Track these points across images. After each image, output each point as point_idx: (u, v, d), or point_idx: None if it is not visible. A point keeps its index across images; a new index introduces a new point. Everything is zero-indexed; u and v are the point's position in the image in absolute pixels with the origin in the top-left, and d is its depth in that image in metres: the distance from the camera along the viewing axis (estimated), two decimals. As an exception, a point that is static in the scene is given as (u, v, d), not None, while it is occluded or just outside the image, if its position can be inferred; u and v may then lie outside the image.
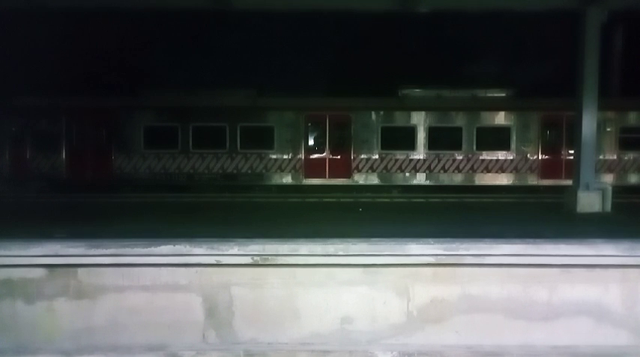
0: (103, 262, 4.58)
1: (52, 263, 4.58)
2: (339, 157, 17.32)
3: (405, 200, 14.56)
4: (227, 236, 4.97)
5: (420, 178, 17.28)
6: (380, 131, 17.24)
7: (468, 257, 4.57)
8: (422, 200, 14.42)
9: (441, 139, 17.16)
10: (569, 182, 12.80)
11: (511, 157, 17.24)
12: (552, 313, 4.62)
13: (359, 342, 4.61)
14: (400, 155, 17.24)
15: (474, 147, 17.20)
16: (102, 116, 17.29)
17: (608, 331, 4.61)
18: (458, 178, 17.28)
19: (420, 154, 17.24)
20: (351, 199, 14.19)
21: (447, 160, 17.22)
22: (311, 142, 17.41)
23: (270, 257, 4.58)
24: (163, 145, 17.22)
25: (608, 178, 16.35)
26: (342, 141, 17.33)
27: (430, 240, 4.77)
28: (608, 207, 11.35)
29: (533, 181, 17.24)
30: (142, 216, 10.36)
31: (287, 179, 17.33)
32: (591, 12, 11.04)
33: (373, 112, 17.32)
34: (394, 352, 4.52)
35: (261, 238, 4.81)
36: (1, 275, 4.60)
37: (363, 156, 17.27)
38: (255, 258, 4.57)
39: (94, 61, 23.80)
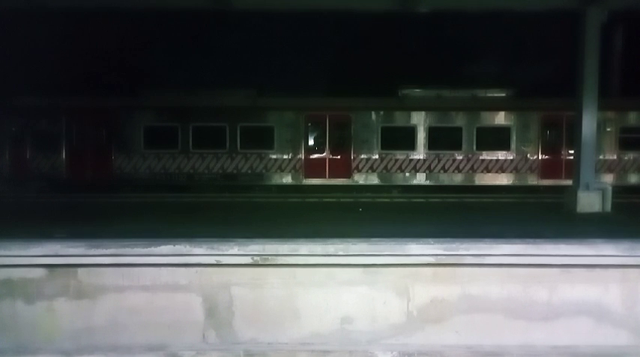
0: (103, 262, 4.58)
1: (52, 263, 4.58)
2: (339, 157, 17.32)
3: (405, 200, 14.56)
4: (227, 236, 4.97)
5: (420, 178, 17.28)
6: (380, 131, 17.24)
7: (468, 257, 4.57)
8: (422, 200, 14.42)
9: (441, 139, 17.15)
10: (569, 182, 12.80)
11: (511, 157, 17.23)
12: (552, 313, 4.62)
13: (359, 342, 4.61)
14: (400, 155, 17.24)
15: (474, 147, 17.20)
16: (102, 116, 17.29)
17: (608, 331, 4.61)
18: (458, 178, 17.28)
19: (420, 154, 17.24)
20: (351, 199, 14.19)
21: (447, 160, 17.22)
22: (311, 142, 17.41)
23: (270, 257, 4.58)
24: (163, 145, 17.22)
25: (608, 178, 16.35)
26: (342, 141, 17.33)
27: (430, 240, 4.77)
28: (608, 207, 11.35)
29: (533, 181, 17.24)
30: (142, 216, 10.36)
31: (287, 179, 17.33)
32: (591, 12, 11.04)
33: (373, 112, 17.32)
34: (394, 352, 4.52)
35: (261, 238, 4.81)
36: (1, 275, 4.60)
37: (363, 156, 17.27)
38: (255, 258, 4.57)
39: (94, 61, 23.80)
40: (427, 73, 20.67)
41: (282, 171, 17.31)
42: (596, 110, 11.40)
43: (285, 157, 17.27)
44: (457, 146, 17.18)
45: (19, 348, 4.53)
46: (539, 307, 4.62)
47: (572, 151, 13.86)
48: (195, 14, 16.46)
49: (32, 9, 12.14)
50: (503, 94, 17.65)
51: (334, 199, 14.27)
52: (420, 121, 17.25)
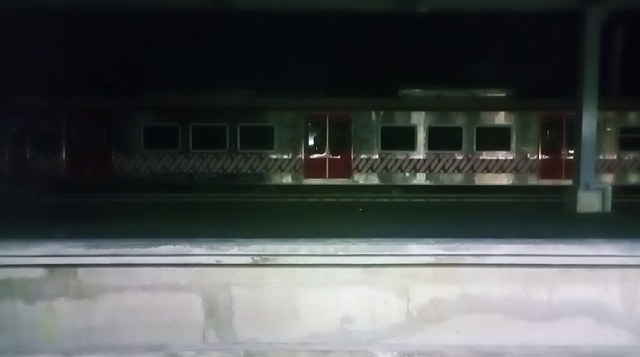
0: (103, 262, 4.58)
1: (52, 263, 4.58)
2: (339, 157, 17.32)
3: (405, 200, 14.56)
4: (227, 236, 4.97)
5: (420, 178, 17.28)
6: (380, 131, 17.24)
7: (468, 257, 4.57)
8: (422, 200, 14.42)
9: (441, 139, 17.15)
10: (569, 182, 12.80)
11: (511, 157, 17.23)
12: (552, 313, 4.62)
13: (359, 342, 4.61)
14: (400, 155, 17.24)
15: (474, 147, 17.20)
16: (102, 116, 17.29)
17: (608, 331, 4.61)
18: (458, 178, 17.28)
19: (420, 154, 17.24)
20: (351, 199, 14.19)
21: (447, 160, 17.22)
22: (311, 142, 17.41)
23: (270, 257, 4.58)
24: (163, 145, 17.22)
25: (608, 178, 16.35)
26: (342, 141, 17.33)
27: (430, 240, 4.77)
28: (608, 207, 11.35)
29: (533, 181, 17.24)
30: (142, 216, 10.36)
31: (287, 179, 17.33)
32: (591, 12, 11.04)
33: (373, 112, 17.32)
34: (394, 352, 4.52)
35: (261, 238, 4.81)
36: (1, 275, 4.60)
37: (363, 156, 17.27)
38: (255, 258, 4.57)
39: (94, 61, 23.80)
40: (427, 73, 20.67)
41: (282, 171, 17.31)
42: (596, 110, 11.40)
43: (285, 157, 17.27)
44: (457, 146, 17.18)
45: (19, 348, 4.53)
46: (539, 307, 4.62)
47: (572, 151, 13.86)
48: (195, 14, 16.46)
49: (32, 9, 12.14)
50: (503, 94, 17.65)
51: (334, 199, 14.27)
52: (420, 121, 17.24)
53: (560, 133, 17.16)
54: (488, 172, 17.25)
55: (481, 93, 17.63)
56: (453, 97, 17.46)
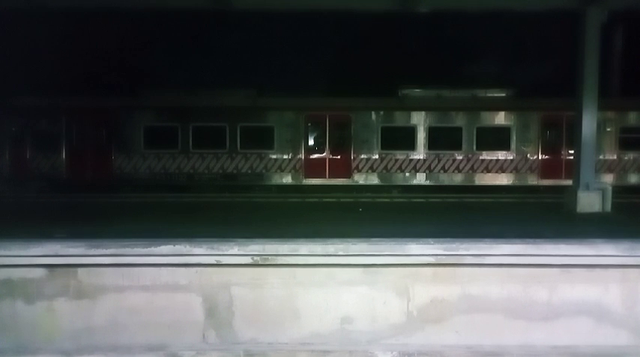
0: (103, 262, 4.58)
1: (52, 263, 4.58)
2: (339, 157, 17.32)
3: (405, 200, 14.56)
4: (227, 236, 4.97)
5: (420, 178, 17.28)
6: (380, 131, 17.24)
7: (468, 257, 4.57)
8: (422, 200, 14.42)
9: (441, 139, 17.16)
10: (569, 182, 12.80)
11: (511, 157, 17.23)
12: (552, 313, 4.62)
13: (359, 342, 4.61)
14: (400, 155, 17.24)
15: (474, 147, 17.20)
16: (102, 116, 17.29)
17: (608, 331, 4.61)
18: (458, 178, 17.28)
19: (420, 154, 17.24)
20: (351, 199, 14.19)
21: (447, 160, 17.22)
22: (311, 142, 17.41)
23: (270, 257, 4.58)
24: (163, 145, 17.22)
25: (608, 178, 16.35)
26: (342, 141, 17.33)
27: (430, 240, 4.77)
28: (608, 207, 11.35)
29: (533, 181, 17.25)
30: (142, 216, 10.36)
31: (287, 179, 17.33)
32: (591, 12, 11.04)
33: (373, 112, 17.32)
34: (394, 352, 4.52)
35: (261, 238, 4.81)
36: (1, 275, 4.60)
37: (363, 156, 17.27)
38: (255, 258, 4.57)
39: (94, 61, 23.80)
40: (427, 73, 20.67)
41: (282, 171, 17.31)
42: (596, 110, 11.40)
43: (285, 157, 17.27)
44: (457, 146, 17.17)
45: (19, 348, 4.53)
46: (539, 307, 4.62)
47: (572, 151, 13.85)
48: (195, 14, 16.45)
49: (32, 9, 12.14)
50: (503, 94, 17.65)
51: (334, 199, 14.27)
52: (420, 121, 17.24)
53: (560, 133, 17.16)
54: (489, 172, 17.25)
55: (481, 93, 17.63)
56: (453, 97, 17.46)
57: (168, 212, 11.39)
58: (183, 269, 4.61)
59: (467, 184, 17.19)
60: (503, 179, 17.27)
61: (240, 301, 4.63)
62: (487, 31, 22.74)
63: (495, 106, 17.33)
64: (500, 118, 17.33)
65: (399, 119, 17.41)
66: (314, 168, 17.29)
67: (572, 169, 12.27)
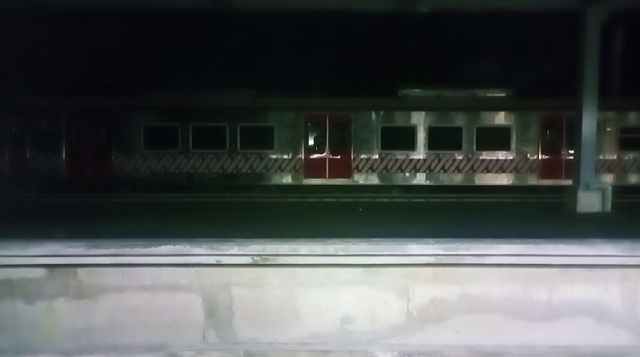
0: (103, 262, 4.58)
1: (52, 263, 4.58)
2: (339, 157, 17.32)
3: (405, 200, 14.56)
4: (227, 236, 4.97)
5: (420, 178, 17.28)
6: (380, 131, 17.25)
7: (468, 257, 4.57)
8: (422, 200, 14.42)
9: (441, 139, 17.16)
10: (569, 182, 12.80)
11: (511, 157, 17.24)
12: (552, 313, 4.62)
13: (359, 342, 4.61)
14: (400, 155, 17.24)
15: (474, 147, 17.20)
16: (102, 116, 17.29)
17: (608, 331, 4.61)
18: (458, 178, 17.28)
19: (420, 154, 17.24)
20: (351, 199, 14.19)
21: (447, 160, 17.22)
22: (311, 142, 17.41)
23: (270, 257, 4.58)
24: (163, 145, 17.22)
25: (608, 178, 16.35)
26: (342, 141, 17.33)
27: (430, 240, 4.77)
28: (608, 207, 11.35)
29: (533, 181, 17.24)
30: (142, 216, 10.36)
31: (287, 179, 17.33)
32: (591, 12, 11.05)
33: (373, 112, 17.32)
34: (394, 352, 4.52)
35: (261, 238, 4.81)
36: (1, 275, 4.60)
37: (363, 156, 17.27)
38: (255, 258, 4.57)
39: (94, 61, 23.80)
40: (427, 73, 20.67)
41: (282, 171, 17.31)
42: (596, 110, 11.40)
43: (285, 157, 17.27)
44: (457, 146, 17.18)
45: (19, 348, 4.53)
46: (539, 307, 4.62)
47: (572, 151, 13.85)
48: (195, 14, 16.45)
49: (32, 9, 12.14)
50: (503, 94, 17.65)
51: (334, 199, 14.27)
52: (420, 121, 17.25)
53: (560, 133, 17.16)
54: (489, 172, 17.25)
55: (481, 93, 17.63)
56: (453, 97, 17.46)
57: (168, 212, 11.39)
58: (183, 269, 4.61)
59: (467, 184, 17.19)
60: (504, 179, 17.27)
61: (240, 301, 4.63)
62: (487, 31, 22.75)
63: (495, 106, 17.33)
64: (500, 118, 17.33)
65: (399, 119, 17.41)
66: (314, 168, 17.29)
67: (572, 169, 12.26)
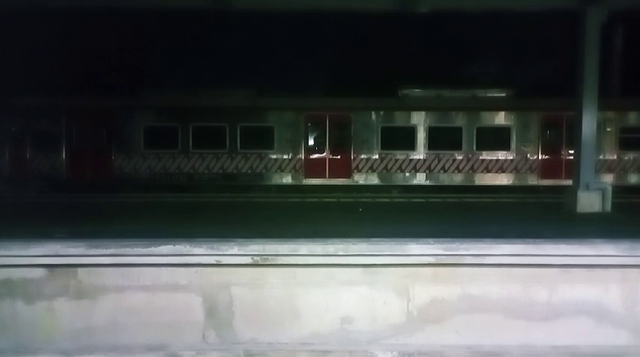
0: (103, 262, 4.58)
1: (52, 263, 4.58)
2: (339, 157, 17.32)
3: (405, 200, 14.56)
4: (227, 236, 4.97)
5: (420, 178, 17.28)
6: (380, 131, 17.24)
7: (468, 257, 4.57)
8: (422, 200, 14.42)
9: (441, 139, 17.15)
10: (569, 182, 12.80)
11: (511, 157, 17.24)
12: (552, 313, 4.62)
13: (359, 342, 4.61)
14: (400, 155, 17.24)
15: (474, 147, 17.20)
16: (102, 116, 17.29)
17: (608, 331, 4.61)
18: (458, 178, 17.28)
19: (420, 154, 17.24)
20: (351, 199, 14.19)
21: (447, 160, 17.22)
22: (311, 142, 17.41)
23: (270, 257, 4.58)
24: (163, 145, 17.22)
25: (608, 178, 16.35)
26: (342, 141, 17.33)
27: (430, 240, 4.77)
28: (608, 207, 11.35)
29: (533, 181, 17.24)
30: (142, 216, 10.36)
31: (287, 179, 17.33)
32: (591, 12, 11.04)
33: (373, 112, 17.32)
34: (394, 352, 4.52)
35: (261, 238, 4.81)
36: (1, 275, 4.60)
37: (363, 156, 17.27)
38: (255, 258, 4.57)
39: (94, 61, 23.80)
40: (427, 73, 20.66)
41: (282, 171, 17.31)
42: (596, 110, 11.40)
43: (285, 157, 17.27)
44: (457, 146, 17.17)
45: (19, 348, 4.53)
46: (539, 307, 4.62)
47: (572, 151, 13.85)
48: (195, 14, 16.45)
49: (32, 9, 12.14)
50: (503, 94, 17.65)
51: (334, 199, 14.27)
52: (420, 121, 17.25)
53: (560, 133, 17.16)
54: (489, 172, 17.25)
55: (481, 93, 17.63)
56: (453, 97, 17.46)
57: (168, 212, 11.39)
58: (183, 269, 4.61)
59: (467, 184, 17.19)
60: (503, 179, 17.27)
61: (240, 301, 4.63)
62: (487, 31, 22.75)
63: (495, 106, 17.33)
64: (500, 118, 17.33)
65: (399, 119, 17.41)
66: (314, 168, 17.29)
67: (572, 169, 12.26)
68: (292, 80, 22.68)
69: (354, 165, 17.28)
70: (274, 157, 17.29)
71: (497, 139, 17.19)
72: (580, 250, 4.61)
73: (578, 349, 4.55)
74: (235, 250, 4.57)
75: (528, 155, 17.24)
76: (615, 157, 17.12)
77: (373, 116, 17.31)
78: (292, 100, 17.52)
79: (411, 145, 17.20)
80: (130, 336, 4.60)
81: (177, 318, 4.62)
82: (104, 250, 4.57)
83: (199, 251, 4.56)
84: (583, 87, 11.34)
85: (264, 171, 17.32)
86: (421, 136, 17.20)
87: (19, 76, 18.63)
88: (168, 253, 4.55)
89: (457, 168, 17.25)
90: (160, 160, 17.23)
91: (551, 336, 4.60)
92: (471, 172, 17.25)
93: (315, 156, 17.36)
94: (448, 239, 4.75)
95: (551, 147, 17.23)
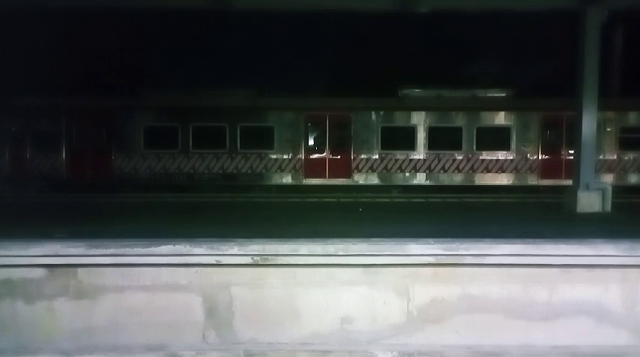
0: (103, 262, 4.58)
1: (52, 263, 4.58)
2: (339, 157, 17.32)
3: (405, 200, 14.56)
4: (227, 236, 4.97)
5: (420, 178, 17.28)
6: (380, 131, 17.24)
7: (468, 257, 4.57)
8: (422, 200, 14.42)
9: (441, 139, 17.15)
10: (569, 182, 12.80)
11: (511, 157, 17.24)
12: (552, 313, 4.62)
13: (359, 342, 4.61)
14: (400, 155, 17.24)
15: (474, 147, 17.20)
16: (102, 116, 17.29)
17: (608, 331, 4.61)
18: (458, 178, 17.28)
19: (420, 154, 17.24)
20: (351, 199, 14.19)
21: (447, 160, 17.22)
22: (311, 142, 17.41)
23: (270, 257, 4.58)
24: (163, 145, 17.22)
25: (608, 178, 16.35)
26: (342, 141, 17.33)
27: (430, 240, 4.77)
28: (608, 207, 11.35)
29: (533, 181, 17.24)
30: (142, 216, 10.36)
31: (287, 179, 17.33)
32: (591, 12, 11.04)
33: (373, 112, 17.32)
34: (394, 352, 4.52)
35: (261, 238, 4.81)
36: (1, 275, 4.60)
37: (363, 156, 17.27)
38: (255, 258, 4.57)
39: (94, 61, 23.80)
40: (427, 73, 20.66)
41: (282, 171, 17.31)
42: (596, 110, 11.40)
43: (285, 157, 17.27)
44: (457, 146, 17.17)
45: (19, 348, 4.53)
46: (539, 307, 4.62)
47: (572, 151, 13.85)
48: (195, 14, 16.45)
49: (32, 9, 12.14)
50: (503, 94, 17.65)
51: (334, 199, 14.27)
52: (420, 121, 17.25)
53: (560, 133, 17.16)
54: (489, 172, 17.25)
55: (481, 93, 17.63)
56: (453, 97, 17.46)
57: (168, 212, 11.39)
58: (183, 269, 4.61)
59: (467, 184, 17.19)
60: (503, 179, 17.27)
61: (240, 301, 4.63)
62: (487, 31, 22.74)
63: (495, 106, 17.33)
64: (500, 118, 17.33)
65: (399, 119, 17.41)
66: (314, 168, 17.29)
67: (572, 169, 12.26)
68: (292, 80, 22.69)
69: (354, 165, 17.28)
70: (274, 157, 17.29)
71: (497, 139, 17.19)
72: (580, 250, 4.61)
73: (578, 349, 4.55)
74: (235, 250, 4.57)
75: (528, 155, 17.23)
76: (615, 157, 17.12)
77: (373, 116, 17.31)
78: (292, 100, 17.52)
79: (411, 145, 17.20)
80: (130, 336, 4.60)
81: (177, 318, 4.62)
82: (104, 250, 4.57)
83: (199, 251, 4.56)
84: (583, 87, 11.34)
85: (264, 171, 17.32)
86: (421, 136, 17.20)
87: (19, 76, 18.63)
88: (168, 253, 4.55)
89: (457, 168, 17.25)
90: (159, 160, 17.23)
91: (551, 336, 4.60)
92: (470, 172, 17.25)
93: (315, 156, 17.36)
94: (448, 239, 4.75)
95: (551, 147, 17.23)
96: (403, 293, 4.63)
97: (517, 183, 17.20)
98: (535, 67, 24.37)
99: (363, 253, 4.59)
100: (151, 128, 17.29)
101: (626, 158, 17.16)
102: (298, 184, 17.24)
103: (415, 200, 14.45)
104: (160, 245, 4.57)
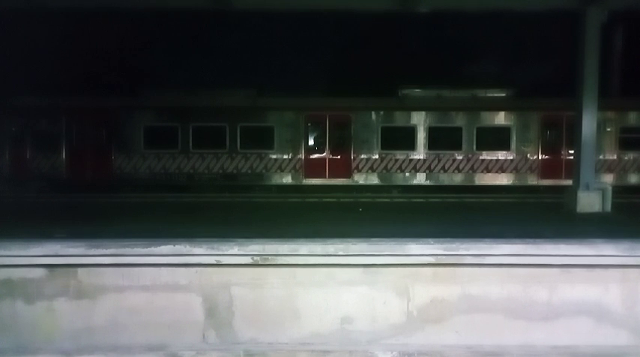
0: (103, 262, 4.58)
1: (52, 263, 4.58)
2: (339, 157, 17.32)
3: (405, 200, 14.56)
4: (227, 236, 4.97)
5: (420, 178, 17.28)
6: (380, 131, 17.24)
7: (468, 257, 4.57)
8: (422, 200, 14.42)
9: (441, 139, 17.15)
10: (569, 182, 12.80)
11: (511, 157, 17.23)
12: (552, 313, 4.62)
13: (359, 342, 4.61)
14: (400, 155, 17.24)
15: (474, 147, 17.20)
16: (102, 116, 17.29)
17: (608, 331, 4.61)
18: (458, 178, 17.28)
19: (420, 154, 17.24)
20: (351, 199, 14.19)
21: (447, 160, 17.22)
22: (311, 142, 17.41)
23: (270, 257, 4.58)
24: (163, 145, 17.22)
25: (608, 178, 16.35)
26: (342, 141, 17.33)
27: (430, 240, 4.77)
28: (608, 207, 11.35)
29: (533, 181, 17.24)
30: (142, 216, 10.36)
31: (287, 179, 17.33)
32: (591, 12, 11.05)
33: (373, 112, 17.32)
34: (394, 352, 4.52)
35: (261, 238, 4.81)
36: (1, 275, 4.60)
37: (363, 156, 17.26)
38: (255, 258, 4.57)
39: (94, 61, 23.79)
40: (427, 73, 20.65)
41: (282, 171, 17.31)
42: (596, 110, 11.40)
43: (285, 157, 17.27)
44: (457, 146, 17.17)
45: (19, 348, 4.53)
46: (539, 307, 4.62)
47: (572, 151, 13.85)
48: (195, 14, 16.46)
49: (32, 9, 12.14)
50: (503, 94, 17.65)
51: (334, 199, 14.27)
52: (420, 121, 17.24)
53: (560, 133, 17.16)
54: (488, 172, 17.25)
55: (481, 93, 17.63)
56: (453, 97, 17.46)
57: (168, 212, 11.39)
58: (183, 269, 4.61)
59: (467, 184, 17.19)
60: (503, 179, 17.27)
61: (240, 301, 4.63)
62: (487, 31, 22.73)
63: (495, 106, 17.33)
64: (500, 118, 17.33)
65: (399, 119, 17.41)
66: (314, 168, 17.28)
67: (572, 169, 12.26)
68: (292, 80, 22.67)
69: (354, 165, 17.28)
70: (274, 157, 17.29)
71: (497, 139, 17.19)
72: (580, 250, 4.61)
73: (578, 349, 4.55)
74: (235, 250, 4.57)
75: (528, 155, 17.23)
76: (615, 157, 17.12)
77: (373, 116, 17.31)
78: (292, 100, 17.52)
79: (411, 145, 17.20)
80: (130, 336, 4.60)
81: (177, 318, 4.62)
82: (104, 250, 4.57)
83: (199, 251, 4.56)
84: (583, 87, 11.34)
85: (264, 171, 17.32)
86: (421, 136, 17.19)
87: (19, 76, 18.63)
88: (168, 253, 4.55)
89: (457, 168, 17.25)
90: (160, 160, 17.23)
91: (551, 336, 4.60)
92: (470, 172, 17.25)
93: (315, 156, 17.36)
94: (448, 239, 4.75)
95: (551, 147, 17.23)
96: (403, 293, 4.63)
97: (517, 183, 17.20)
98: (535, 67, 24.36)
99: (363, 253, 4.59)
100: (151, 128, 17.29)
101: (626, 158, 17.16)
102: (298, 184, 17.24)
103: (415, 200, 14.45)
104: (160, 245, 4.57)
